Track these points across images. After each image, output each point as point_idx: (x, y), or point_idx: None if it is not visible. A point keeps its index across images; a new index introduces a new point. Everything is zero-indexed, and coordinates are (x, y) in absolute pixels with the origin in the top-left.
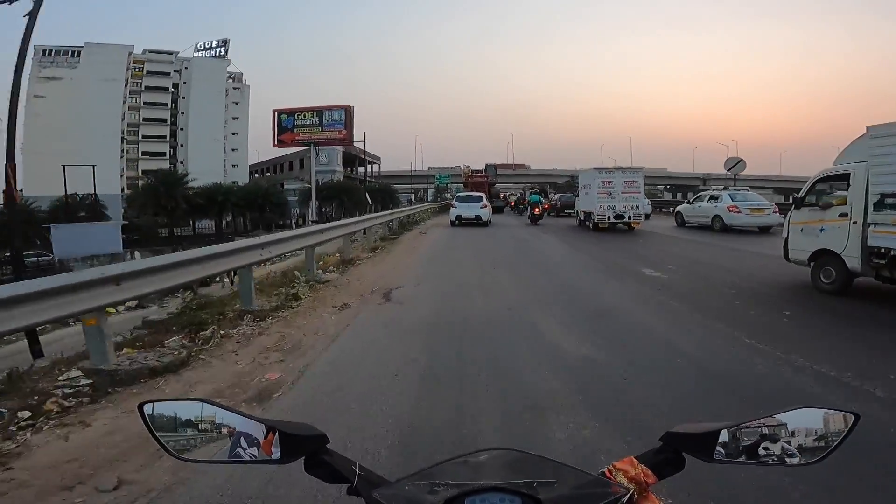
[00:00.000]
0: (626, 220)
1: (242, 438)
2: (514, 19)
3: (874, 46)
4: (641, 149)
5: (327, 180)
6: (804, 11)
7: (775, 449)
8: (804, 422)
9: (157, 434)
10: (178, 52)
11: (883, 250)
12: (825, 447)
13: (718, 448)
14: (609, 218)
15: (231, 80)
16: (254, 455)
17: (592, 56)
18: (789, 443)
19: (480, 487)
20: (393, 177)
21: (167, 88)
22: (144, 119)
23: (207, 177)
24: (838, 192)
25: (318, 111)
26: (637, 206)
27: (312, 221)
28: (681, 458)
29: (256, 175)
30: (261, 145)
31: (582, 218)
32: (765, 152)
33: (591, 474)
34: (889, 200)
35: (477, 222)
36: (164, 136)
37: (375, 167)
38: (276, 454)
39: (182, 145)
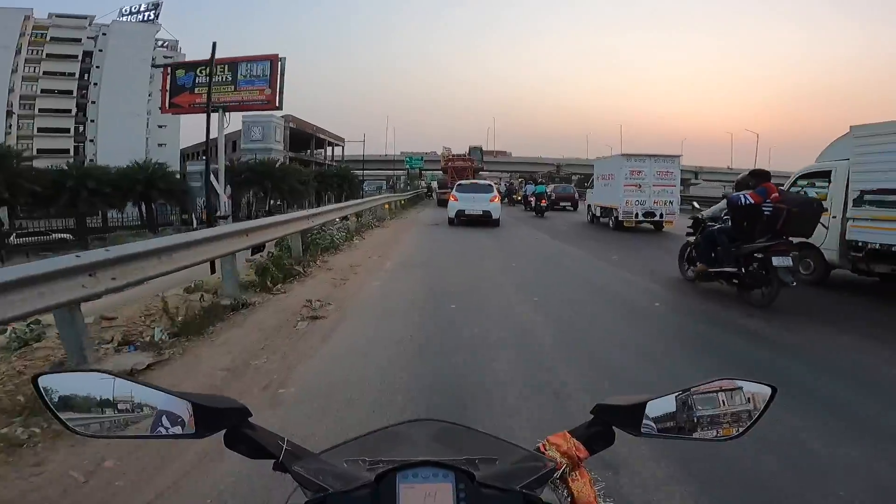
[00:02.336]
0: (657, 218)
1: (157, 410)
2: (500, 9)
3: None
4: (631, 140)
5: (283, 165)
6: (792, 10)
7: (699, 423)
8: (726, 393)
9: (55, 409)
10: (93, 17)
11: (860, 244)
12: (746, 420)
13: (645, 421)
14: (637, 215)
15: (164, 49)
16: (168, 429)
17: (579, 47)
18: (713, 416)
19: (412, 462)
20: (361, 161)
21: (76, 57)
22: (43, 91)
23: (122, 157)
24: (820, 188)
25: (232, 64)
26: (671, 203)
27: (217, 218)
28: (611, 431)
29: (191, 158)
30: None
31: (597, 214)
32: (751, 147)
33: (525, 449)
34: (868, 197)
35: (484, 220)
36: (69, 111)
37: (338, 150)
38: (192, 429)
39: (93, 121)
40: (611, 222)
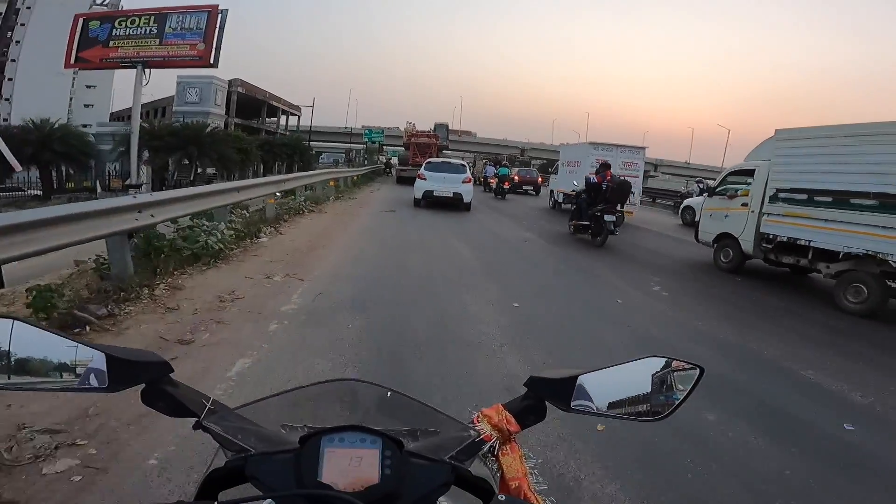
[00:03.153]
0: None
1: (68, 362)
2: None
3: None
4: (596, 128)
5: (214, 129)
6: (764, 12)
7: (627, 401)
8: (655, 371)
9: None
10: None
11: (771, 236)
12: (673, 402)
13: (576, 397)
14: None
15: (104, 6)
16: (79, 381)
17: (549, 33)
18: (640, 396)
19: (340, 427)
20: (318, 133)
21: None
22: None
23: (39, 116)
24: (743, 185)
25: (160, 15)
26: (633, 193)
27: (126, 186)
28: (543, 405)
29: (143, 123)
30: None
31: (559, 200)
32: (712, 143)
33: (459, 421)
34: (781, 195)
35: (454, 203)
36: None
37: (294, 120)
38: (104, 382)
39: (10, 79)
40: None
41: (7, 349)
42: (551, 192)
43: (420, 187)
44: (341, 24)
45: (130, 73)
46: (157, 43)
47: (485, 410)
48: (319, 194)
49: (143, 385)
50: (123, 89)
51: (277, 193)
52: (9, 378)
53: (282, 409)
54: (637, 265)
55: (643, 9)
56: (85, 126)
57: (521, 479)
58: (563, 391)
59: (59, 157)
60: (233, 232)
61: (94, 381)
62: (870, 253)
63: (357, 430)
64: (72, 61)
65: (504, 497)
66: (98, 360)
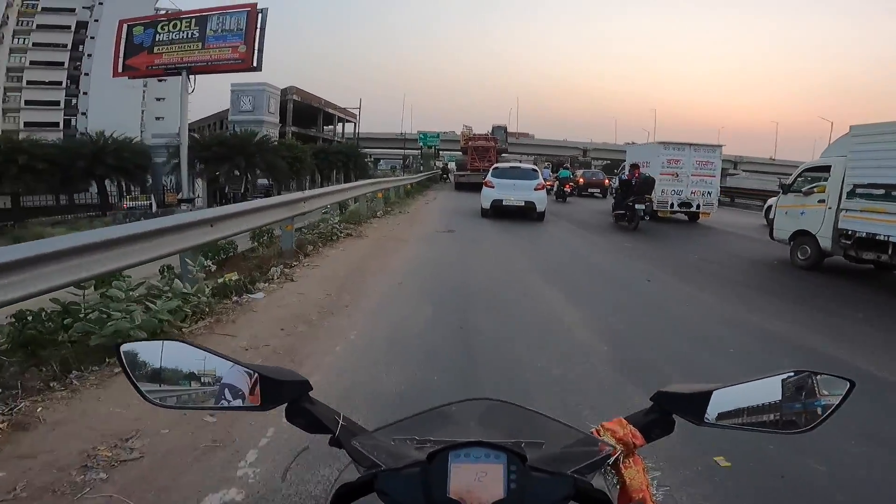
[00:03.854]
0: (693, 208)
1: (223, 381)
2: None
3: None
4: (664, 126)
5: (263, 138)
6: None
7: (767, 414)
8: (797, 386)
9: (135, 376)
10: None
11: (850, 232)
12: (819, 414)
13: (709, 411)
14: (672, 205)
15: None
16: (235, 400)
17: (609, 28)
18: (782, 408)
19: (466, 442)
20: (374, 140)
21: (68, 27)
22: (32, 63)
23: (115, 131)
24: (820, 182)
25: (200, 17)
26: (710, 193)
27: (179, 200)
28: (670, 420)
29: (193, 133)
30: (210, 94)
31: (654, 208)
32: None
33: (580, 431)
34: (859, 190)
35: (525, 212)
36: (59, 83)
37: (350, 127)
38: (257, 400)
39: (85, 93)
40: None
41: (166, 367)
42: (650, 202)
43: (488, 196)
44: (394, 29)
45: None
46: (200, 47)
47: (605, 424)
48: (363, 209)
49: (287, 403)
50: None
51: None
52: (171, 399)
53: (411, 427)
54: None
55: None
56: (115, 138)
57: (644, 490)
58: (695, 405)
59: (113, 170)
60: (200, 295)
61: (247, 401)
62: None
63: (482, 446)
64: (119, 70)
65: None
66: (251, 380)
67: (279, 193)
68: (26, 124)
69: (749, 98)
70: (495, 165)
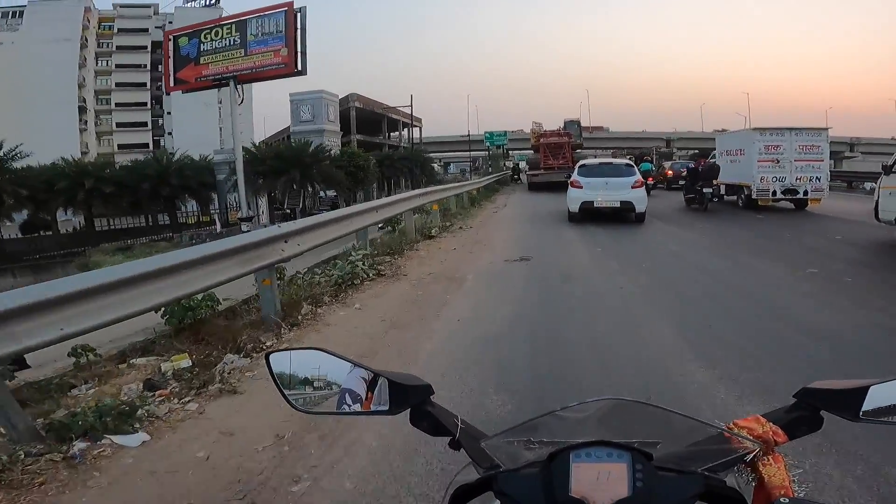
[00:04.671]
0: (800, 195)
1: (353, 387)
2: None
3: None
4: (759, 110)
5: (317, 147)
6: None
7: None
8: None
9: (282, 383)
10: (157, 5)
11: None
12: None
13: (866, 406)
14: (775, 192)
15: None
16: (364, 405)
17: (686, 6)
18: None
19: (587, 442)
20: (440, 143)
21: (145, 48)
22: (118, 84)
23: (199, 150)
24: None
25: (240, 22)
26: (818, 178)
27: (240, 220)
28: (818, 416)
29: (252, 147)
30: (284, 107)
31: (721, 192)
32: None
33: (712, 426)
34: None
35: (623, 213)
36: (145, 104)
37: (416, 132)
38: (386, 405)
39: (169, 113)
40: (740, 200)
41: (306, 376)
42: (717, 186)
43: (575, 198)
44: (455, 29)
45: (268, 98)
46: (243, 54)
47: (740, 421)
48: (409, 230)
49: (411, 407)
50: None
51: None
52: (307, 402)
53: (530, 431)
54: None
55: None
56: (181, 156)
57: (786, 487)
58: (849, 401)
59: (180, 190)
60: None
61: (381, 406)
62: None
63: (604, 445)
64: (171, 84)
65: (788, 500)
66: (383, 385)
67: (347, 205)
68: (120, 146)
69: (863, 77)
70: (581, 162)
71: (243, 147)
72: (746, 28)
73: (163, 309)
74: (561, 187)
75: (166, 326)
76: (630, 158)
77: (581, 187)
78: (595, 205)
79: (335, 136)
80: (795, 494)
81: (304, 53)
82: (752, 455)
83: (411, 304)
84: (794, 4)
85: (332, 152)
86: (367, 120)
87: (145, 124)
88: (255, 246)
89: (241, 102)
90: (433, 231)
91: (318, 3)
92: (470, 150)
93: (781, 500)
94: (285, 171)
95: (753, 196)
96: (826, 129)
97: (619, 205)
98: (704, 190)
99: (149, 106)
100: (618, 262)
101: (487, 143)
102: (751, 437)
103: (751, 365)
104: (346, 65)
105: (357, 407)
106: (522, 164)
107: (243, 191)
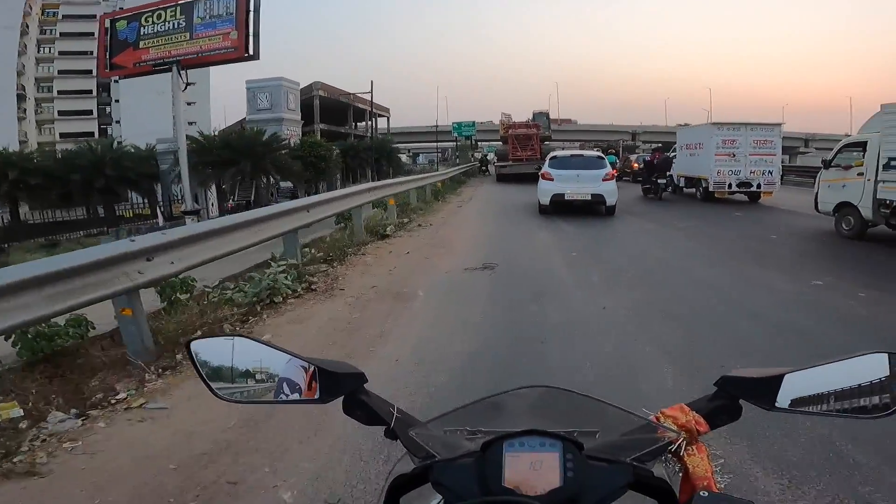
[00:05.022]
0: (753, 188)
1: (283, 376)
2: None
3: None
4: (722, 106)
5: (272, 136)
6: None
7: (843, 398)
8: (874, 369)
9: (203, 371)
10: None
11: (888, 202)
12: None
13: (780, 396)
14: (730, 185)
15: None
16: (293, 394)
17: (651, 12)
18: (858, 392)
19: (520, 431)
20: (409, 133)
21: (91, 34)
22: (60, 72)
23: (148, 138)
24: (857, 156)
25: (186, 4)
26: (771, 172)
27: (183, 213)
28: (737, 405)
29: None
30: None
31: (680, 184)
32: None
33: (640, 417)
34: (894, 163)
35: (594, 206)
36: (90, 91)
37: (382, 123)
38: (316, 393)
39: (117, 101)
40: (698, 193)
41: (231, 364)
42: (670, 176)
43: (546, 190)
44: (425, 19)
45: (229, 87)
46: (188, 37)
47: (666, 410)
48: (357, 230)
49: (344, 396)
50: (234, 104)
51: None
52: (233, 392)
53: (463, 417)
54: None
55: None
56: (118, 144)
57: (709, 478)
58: (765, 390)
59: (114, 181)
60: None
61: (307, 394)
62: None
63: (536, 434)
64: (106, 69)
65: (707, 493)
66: (310, 373)
67: (306, 195)
68: (62, 135)
69: (818, 74)
70: (552, 154)
71: (189, 136)
72: (711, 25)
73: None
74: (530, 179)
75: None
76: (611, 151)
77: (552, 179)
78: (566, 197)
79: (295, 125)
80: (717, 485)
81: (256, 36)
82: (676, 445)
83: (339, 334)
84: (757, 5)
85: (290, 142)
86: (333, 109)
87: (90, 112)
88: (89, 269)
89: (185, 89)
90: (388, 229)
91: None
92: (437, 141)
93: (701, 493)
94: (235, 161)
95: (711, 189)
96: (779, 124)
97: (590, 197)
98: (659, 181)
99: (94, 94)
100: (598, 273)
101: (455, 134)
102: (675, 427)
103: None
104: (315, 57)
105: (296, 396)
106: (491, 156)
107: (187, 182)
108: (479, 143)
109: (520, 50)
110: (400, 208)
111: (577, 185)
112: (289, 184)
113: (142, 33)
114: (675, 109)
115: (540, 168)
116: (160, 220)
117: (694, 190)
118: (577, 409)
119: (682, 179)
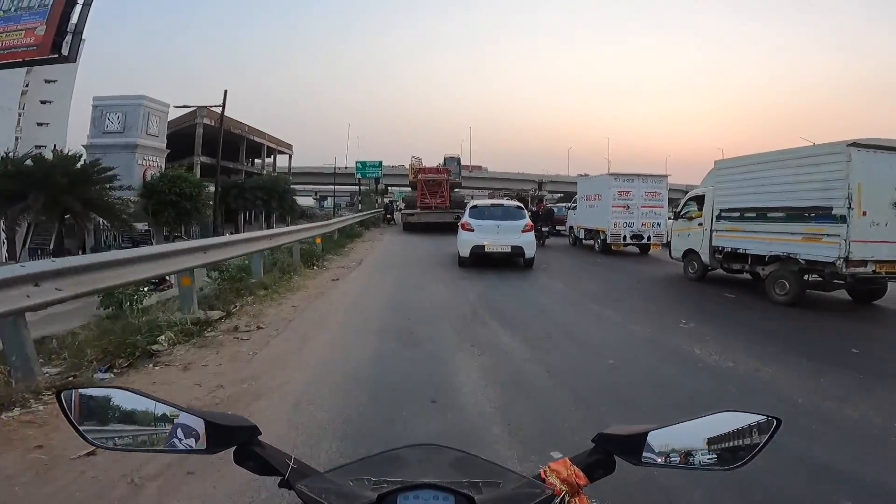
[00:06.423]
0: (644, 240)
1: (172, 427)
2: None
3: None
4: (617, 155)
5: (92, 164)
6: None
7: (701, 453)
8: (728, 425)
9: (78, 423)
10: None
11: (720, 248)
12: (748, 450)
13: (646, 451)
14: (625, 237)
15: None
16: (179, 444)
17: (562, 59)
18: (715, 446)
19: (414, 484)
20: (313, 174)
21: None
22: None
23: None
24: (697, 209)
25: None
26: (659, 224)
27: None
28: (611, 460)
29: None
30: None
31: (580, 236)
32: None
33: (526, 476)
34: (724, 214)
35: (512, 259)
36: None
37: (283, 161)
38: (203, 445)
39: None
40: (596, 245)
41: (117, 416)
42: (570, 228)
43: (466, 241)
44: (338, 60)
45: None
46: None
47: (552, 465)
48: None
49: (236, 447)
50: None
51: None
52: (117, 443)
53: (363, 469)
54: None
55: (666, 32)
56: None
57: None
58: (632, 446)
59: None
60: None
61: (194, 445)
62: (789, 255)
63: (430, 488)
64: None
65: None
66: (198, 425)
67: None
68: None
69: (694, 126)
70: (473, 204)
71: None
72: (607, 78)
73: None
74: (438, 230)
75: None
76: (545, 205)
77: (472, 230)
78: (486, 249)
79: (157, 154)
80: None
81: (78, 35)
82: (559, 498)
83: None
84: (640, 59)
85: (146, 174)
86: (225, 142)
87: None
88: None
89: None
90: (156, 346)
91: (199, 27)
92: (335, 184)
93: None
94: (23, 194)
95: (608, 241)
96: (665, 176)
97: (510, 250)
98: (543, 229)
99: None
100: None
101: (359, 176)
102: (559, 482)
103: None
104: (220, 89)
105: (184, 447)
106: (400, 203)
107: None
108: (388, 188)
109: (435, 97)
110: (221, 290)
111: (497, 237)
112: (143, 226)
113: None
114: (577, 158)
115: (454, 218)
116: None
117: (593, 242)
118: (472, 466)
119: (582, 231)
